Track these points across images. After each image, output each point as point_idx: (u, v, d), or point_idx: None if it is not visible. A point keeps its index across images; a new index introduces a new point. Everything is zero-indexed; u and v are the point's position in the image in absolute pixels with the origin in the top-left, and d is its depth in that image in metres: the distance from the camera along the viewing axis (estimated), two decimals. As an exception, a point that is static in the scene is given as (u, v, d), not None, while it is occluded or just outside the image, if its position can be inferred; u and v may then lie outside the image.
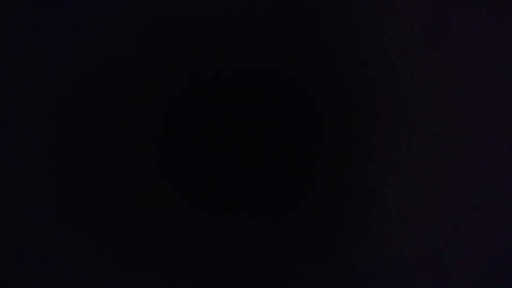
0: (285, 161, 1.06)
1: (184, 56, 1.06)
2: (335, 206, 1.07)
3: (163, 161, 1.05)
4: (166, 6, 1.06)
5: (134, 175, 1.05)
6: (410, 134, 1.08)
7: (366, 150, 1.07)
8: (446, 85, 1.09)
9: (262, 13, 1.07)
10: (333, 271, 1.07)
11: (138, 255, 1.05)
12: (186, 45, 1.06)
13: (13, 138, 1.05)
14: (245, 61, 1.06)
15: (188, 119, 1.06)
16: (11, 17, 1.05)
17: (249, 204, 1.06)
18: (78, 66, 1.06)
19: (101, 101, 1.05)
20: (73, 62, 1.05)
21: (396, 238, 1.07)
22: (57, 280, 1.05)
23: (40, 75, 1.05)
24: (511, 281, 1.08)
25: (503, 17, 1.09)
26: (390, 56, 1.08)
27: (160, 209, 1.05)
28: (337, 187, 1.07)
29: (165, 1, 1.06)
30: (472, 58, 1.09)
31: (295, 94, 1.07)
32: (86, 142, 1.05)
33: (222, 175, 1.06)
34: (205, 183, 1.06)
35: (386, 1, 1.08)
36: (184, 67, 1.06)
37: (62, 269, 1.05)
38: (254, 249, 1.06)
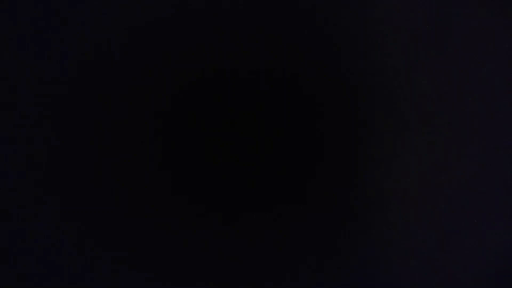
0: (284, 161, 1.06)
1: (184, 56, 1.06)
2: (335, 206, 1.07)
3: (163, 162, 1.05)
4: (166, 6, 1.06)
5: (134, 175, 1.05)
6: (410, 134, 1.08)
7: (366, 150, 1.07)
8: (446, 85, 1.09)
9: (262, 13, 1.07)
10: (333, 271, 1.07)
11: (138, 256, 1.05)
12: (186, 45, 1.06)
13: (13, 138, 1.05)
14: (245, 61, 1.06)
15: (188, 119, 1.06)
16: (10, 17, 1.05)
17: (249, 204, 1.06)
18: (77, 66, 1.06)
19: (100, 102, 1.05)
20: (73, 63, 1.05)
21: (396, 238, 1.07)
22: (57, 280, 1.05)
23: (39, 75, 1.05)
24: (511, 281, 1.08)
25: (503, 17, 1.09)
26: (389, 56, 1.08)
27: (160, 210, 1.05)
28: (336, 187, 1.07)
29: (164, 1, 1.06)
30: (472, 58, 1.09)
31: (295, 94, 1.07)
32: (86, 142, 1.05)
33: (222, 175, 1.06)
34: (205, 183, 1.06)
35: (386, 1, 1.08)
36: (183, 67, 1.06)
37: (62, 269, 1.05)
38: (253, 249, 1.06)
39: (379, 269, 1.07)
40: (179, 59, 1.06)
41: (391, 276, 1.07)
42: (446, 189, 1.08)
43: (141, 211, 1.05)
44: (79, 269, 1.05)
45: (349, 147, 1.07)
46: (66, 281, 1.05)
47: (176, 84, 1.06)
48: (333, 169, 1.07)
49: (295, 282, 1.06)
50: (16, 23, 1.05)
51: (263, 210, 1.06)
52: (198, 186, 1.06)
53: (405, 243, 1.07)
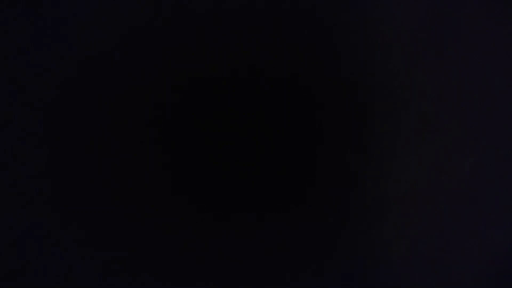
0: (284, 161, 1.06)
1: (184, 56, 1.06)
2: (335, 206, 1.07)
3: (163, 162, 1.05)
4: (166, 6, 1.06)
5: (133, 175, 1.05)
6: (410, 134, 1.08)
7: (366, 150, 1.07)
8: (446, 85, 1.09)
9: (262, 13, 1.07)
10: (333, 271, 1.07)
11: (138, 255, 1.05)
12: (186, 45, 1.06)
13: (13, 138, 1.05)
14: (245, 61, 1.06)
15: (188, 119, 1.06)
16: (10, 18, 1.05)
17: (249, 204, 1.06)
18: (78, 66, 1.06)
19: (100, 102, 1.05)
20: (73, 63, 1.06)
21: (396, 238, 1.07)
22: (57, 280, 1.05)
23: (40, 75, 1.05)
24: (511, 281, 1.08)
25: (503, 17, 1.09)
26: (389, 56, 1.08)
27: (159, 210, 1.06)
28: (337, 187, 1.07)
29: (165, 1, 1.06)
30: (472, 58, 1.09)
31: (295, 94, 1.07)
32: (86, 142, 1.05)
33: (222, 176, 1.06)
34: (205, 183, 1.06)
35: (386, 1, 1.08)
36: (183, 67, 1.06)
37: (62, 269, 1.05)
38: (253, 249, 1.06)
39: (379, 269, 1.07)
40: (179, 59, 1.06)
41: (391, 276, 1.07)
42: (446, 189, 1.08)
43: (141, 211, 1.05)
44: (79, 269, 1.05)
45: (349, 147, 1.07)
46: (66, 282, 1.05)
47: (177, 84, 1.06)
48: (333, 169, 1.07)
49: (295, 282, 1.06)
50: (16, 24, 1.05)
51: (263, 210, 1.06)
52: (198, 186, 1.06)
53: (405, 243, 1.07)
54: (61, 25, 1.06)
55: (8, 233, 1.04)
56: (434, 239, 1.08)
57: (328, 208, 1.07)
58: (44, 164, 1.05)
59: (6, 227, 1.04)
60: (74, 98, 1.05)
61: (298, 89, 1.07)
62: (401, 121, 1.08)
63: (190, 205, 1.06)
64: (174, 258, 1.06)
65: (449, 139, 1.08)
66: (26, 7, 1.05)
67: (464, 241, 1.08)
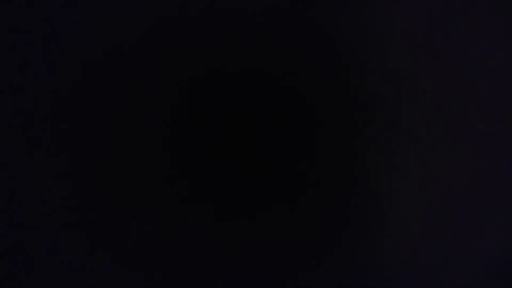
0: (284, 162, 1.06)
1: (184, 57, 1.06)
2: (335, 206, 1.07)
3: (163, 162, 1.05)
4: (167, 7, 1.07)
5: (133, 176, 1.05)
6: (409, 134, 1.08)
7: (365, 150, 1.07)
8: (446, 86, 1.09)
9: (262, 13, 1.07)
10: (332, 271, 1.07)
11: (138, 255, 1.05)
12: (186, 46, 1.06)
13: (14, 139, 1.05)
14: (245, 62, 1.06)
15: (188, 119, 1.06)
16: (11, 17, 1.05)
17: (249, 204, 1.06)
18: (79, 66, 1.06)
19: (101, 102, 1.06)
20: (75, 63, 1.06)
21: (395, 238, 1.07)
22: (57, 280, 1.05)
23: (42, 75, 1.05)
24: (511, 281, 1.08)
25: (503, 17, 1.09)
26: (389, 57, 1.08)
27: (160, 210, 1.06)
28: (336, 187, 1.07)
29: (165, 2, 1.06)
30: (472, 58, 1.09)
31: (295, 95, 1.07)
32: (87, 142, 1.05)
33: (222, 175, 1.06)
34: (205, 184, 1.06)
35: (386, 1, 1.08)
36: (184, 68, 1.06)
37: (62, 269, 1.05)
38: (252, 249, 1.06)
39: (379, 269, 1.07)
40: (180, 61, 1.06)
41: (391, 276, 1.07)
42: (446, 189, 1.08)
43: (141, 212, 1.05)
44: (78, 269, 1.05)
45: (349, 147, 1.07)
46: (67, 281, 1.05)
47: (178, 85, 1.06)
48: (333, 169, 1.07)
49: (294, 282, 1.06)
50: (19, 25, 1.05)
51: (262, 210, 1.06)
52: (198, 186, 1.06)
53: (405, 243, 1.07)
54: (62, 25, 1.06)
55: (7, 233, 1.04)
56: (434, 239, 1.08)
57: (328, 208, 1.07)
58: (44, 164, 1.05)
59: (6, 227, 1.04)
60: (73, 98, 1.05)
61: (297, 89, 1.07)
62: (401, 121, 1.08)
63: (190, 205, 1.06)
64: (174, 258, 1.06)
65: (449, 139, 1.08)
66: (28, 6, 1.05)
67: (464, 241, 1.08)
